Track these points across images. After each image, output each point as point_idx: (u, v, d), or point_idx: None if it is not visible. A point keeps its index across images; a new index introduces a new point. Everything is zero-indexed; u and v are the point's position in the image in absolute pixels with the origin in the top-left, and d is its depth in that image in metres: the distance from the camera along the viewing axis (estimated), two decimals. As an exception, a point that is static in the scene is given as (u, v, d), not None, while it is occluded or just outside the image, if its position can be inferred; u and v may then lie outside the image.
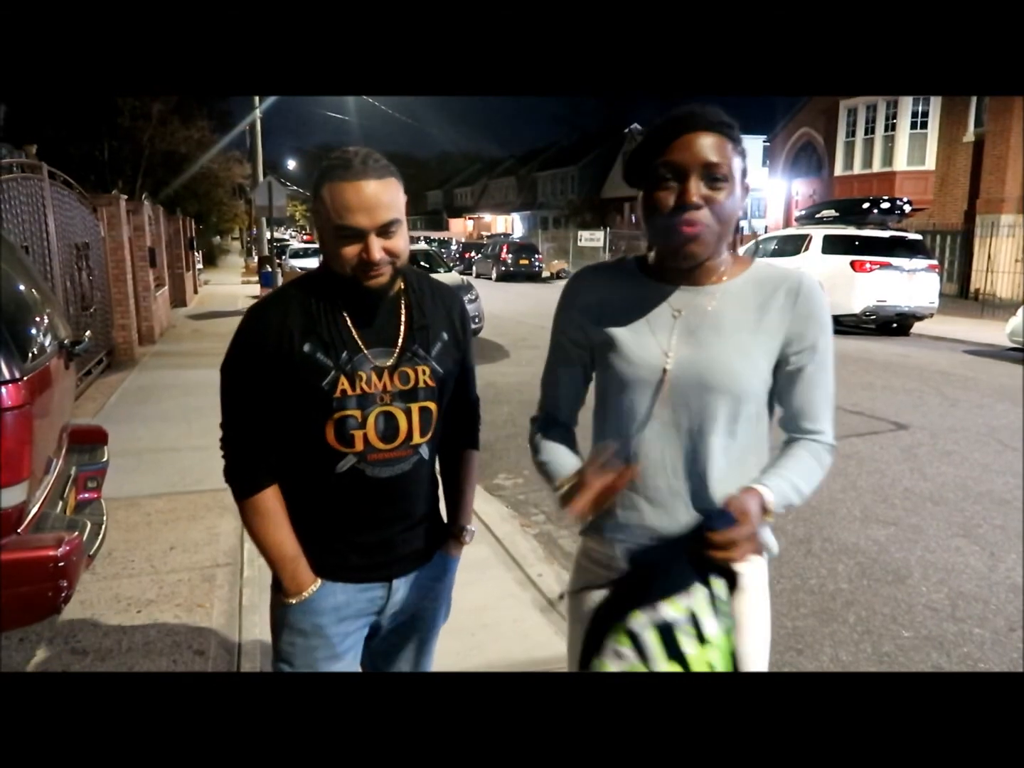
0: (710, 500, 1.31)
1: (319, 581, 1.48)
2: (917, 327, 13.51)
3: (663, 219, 1.24)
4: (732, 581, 1.24)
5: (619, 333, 1.36)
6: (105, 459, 3.30)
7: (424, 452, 1.51)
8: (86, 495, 3.08)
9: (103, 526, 2.88)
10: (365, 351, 1.43)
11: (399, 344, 1.46)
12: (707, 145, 1.21)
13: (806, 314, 1.31)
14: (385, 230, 1.34)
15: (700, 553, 1.17)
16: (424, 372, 1.48)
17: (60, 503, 2.76)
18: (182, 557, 3.73)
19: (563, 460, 1.42)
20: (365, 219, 1.32)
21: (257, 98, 18.52)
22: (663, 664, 1.21)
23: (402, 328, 1.47)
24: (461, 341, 1.58)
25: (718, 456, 1.31)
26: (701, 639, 1.21)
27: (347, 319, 1.44)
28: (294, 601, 1.46)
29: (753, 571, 1.35)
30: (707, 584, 1.22)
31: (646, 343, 1.33)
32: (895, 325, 13.33)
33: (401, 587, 1.55)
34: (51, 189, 6.84)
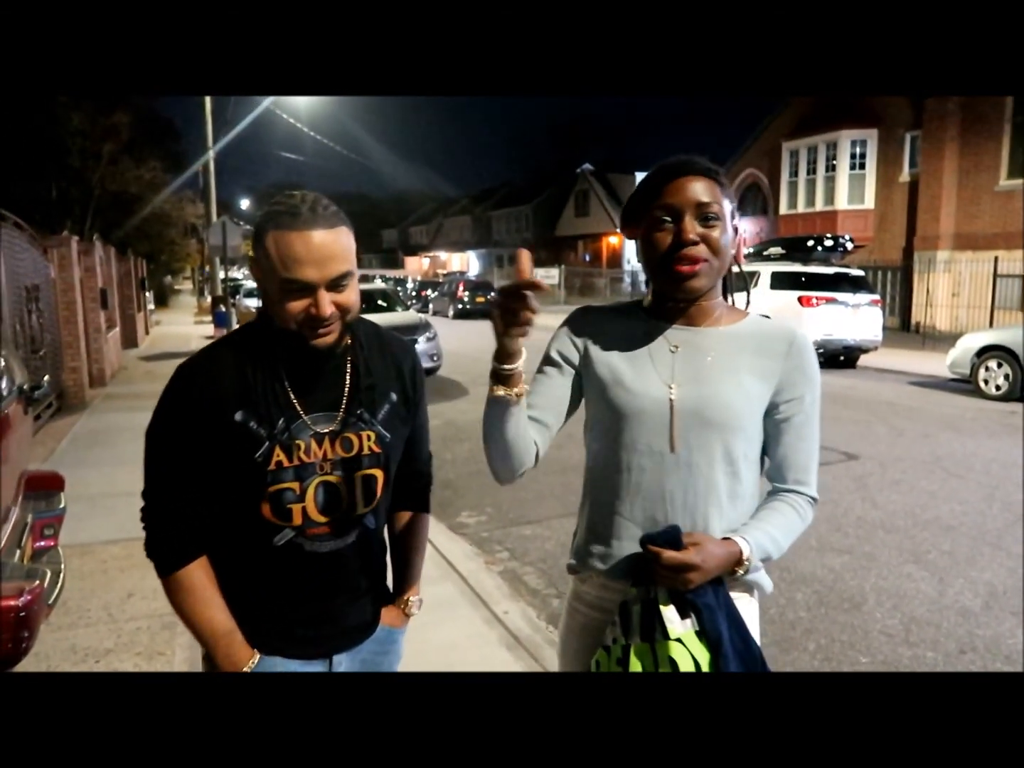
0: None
1: (257, 656, 1.35)
2: (863, 359, 13.94)
3: (662, 257, 1.30)
4: (679, 601, 1.25)
5: (620, 365, 1.38)
6: (62, 506, 3.24)
7: (369, 522, 1.42)
8: (43, 543, 3.02)
9: (61, 575, 2.82)
10: (304, 417, 1.31)
11: (343, 407, 1.35)
12: (698, 188, 1.29)
13: (798, 365, 1.37)
14: (336, 284, 1.23)
15: (649, 560, 1.23)
16: (369, 438, 1.37)
17: (17, 552, 2.70)
18: (141, 604, 3.65)
19: None
20: (314, 272, 1.20)
21: (211, 138, 18.49)
22: (636, 639, 1.25)
23: (347, 390, 1.36)
24: (411, 398, 1.47)
25: (714, 493, 1.33)
26: (664, 633, 1.23)
27: (285, 381, 1.31)
28: None
29: (744, 608, 1.35)
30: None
31: (647, 374, 1.35)
32: (842, 358, 13.74)
33: (343, 662, 1.44)
34: (1, 231, 6.72)
